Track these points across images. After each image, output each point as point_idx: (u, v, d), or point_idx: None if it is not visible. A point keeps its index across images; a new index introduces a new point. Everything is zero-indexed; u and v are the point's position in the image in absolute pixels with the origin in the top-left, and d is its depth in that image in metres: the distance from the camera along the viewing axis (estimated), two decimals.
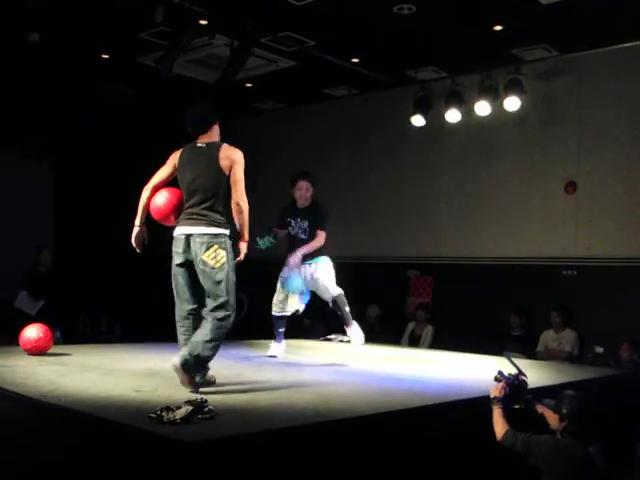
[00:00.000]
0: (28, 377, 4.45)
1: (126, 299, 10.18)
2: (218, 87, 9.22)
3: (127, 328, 9.85)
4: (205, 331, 4.30)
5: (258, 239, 6.11)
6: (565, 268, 8.78)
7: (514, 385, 4.21)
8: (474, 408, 4.48)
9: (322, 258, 6.30)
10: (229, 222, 4.61)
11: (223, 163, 4.55)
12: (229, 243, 4.50)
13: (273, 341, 6.51)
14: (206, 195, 4.51)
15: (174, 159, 4.69)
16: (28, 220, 10.48)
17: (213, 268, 4.35)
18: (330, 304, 6.29)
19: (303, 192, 6.27)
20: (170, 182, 4.76)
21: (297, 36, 8.35)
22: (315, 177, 6.41)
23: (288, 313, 6.38)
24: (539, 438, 3.87)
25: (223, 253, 4.40)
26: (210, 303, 4.37)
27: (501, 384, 4.21)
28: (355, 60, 9.13)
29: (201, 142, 4.68)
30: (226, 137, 12.83)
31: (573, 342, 8.24)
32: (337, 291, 6.24)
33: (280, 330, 6.45)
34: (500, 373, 4.31)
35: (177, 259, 4.50)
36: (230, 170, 4.59)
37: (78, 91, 10.16)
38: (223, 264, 4.37)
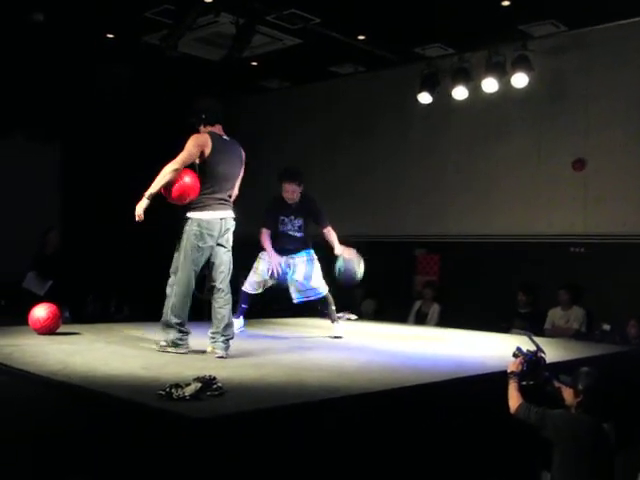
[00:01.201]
0: (38, 356, 4.48)
1: (134, 279, 10.20)
2: (224, 65, 9.19)
3: (135, 308, 9.89)
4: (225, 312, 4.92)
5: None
6: (573, 245, 8.76)
7: (532, 361, 4.25)
8: (481, 385, 4.50)
9: (306, 251, 6.39)
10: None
11: (242, 157, 5.26)
12: None
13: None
14: (232, 184, 5.14)
15: (205, 146, 4.93)
16: (36, 201, 10.49)
17: (231, 246, 5.03)
18: (296, 301, 6.44)
19: (289, 194, 6.27)
20: None
21: (303, 13, 8.30)
22: (301, 174, 6.36)
23: (258, 292, 6.48)
24: (553, 412, 3.91)
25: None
26: (221, 284, 4.95)
27: (519, 359, 4.26)
28: (361, 37, 9.07)
29: (223, 134, 5.19)
30: (233, 116, 12.85)
31: (581, 319, 8.24)
32: (324, 290, 6.37)
33: (242, 306, 6.55)
34: (519, 349, 4.35)
35: (207, 241, 4.89)
36: None
37: (84, 71, 10.12)
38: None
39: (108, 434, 3.43)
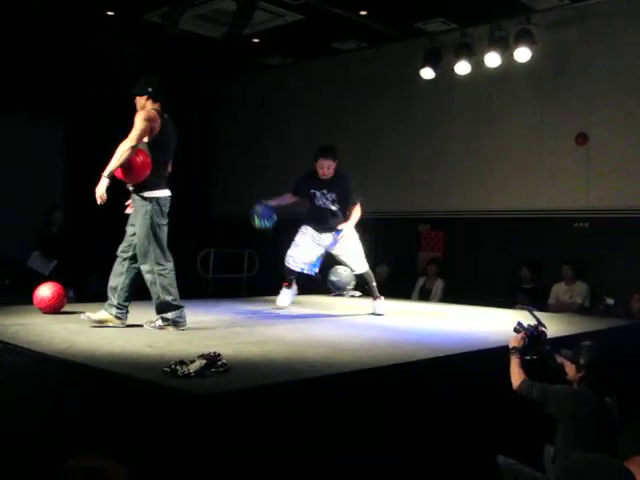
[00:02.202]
0: (43, 335, 4.51)
1: None
2: (225, 43, 9.15)
3: (139, 287, 9.91)
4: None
5: (257, 218, 6.14)
6: (577, 220, 8.75)
7: (533, 336, 4.25)
8: (484, 360, 4.52)
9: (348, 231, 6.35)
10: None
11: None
12: None
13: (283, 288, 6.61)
14: (169, 160, 5.16)
15: (155, 122, 4.96)
16: (40, 180, 10.50)
17: None
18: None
19: (325, 170, 6.22)
20: None
21: None
22: (336, 151, 6.34)
23: (299, 268, 6.42)
24: (556, 387, 3.91)
25: None
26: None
27: (520, 335, 4.26)
28: (363, 13, 9.01)
29: (163, 113, 5.08)
30: (235, 94, 12.80)
31: (584, 294, 8.25)
32: (363, 269, 6.39)
33: (290, 277, 6.53)
34: (520, 324, 4.35)
35: (164, 218, 5.00)
36: None
37: (86, 49, 10.08)
38: None
39: (113, 412, 3.46)
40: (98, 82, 10.77)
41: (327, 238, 6.33)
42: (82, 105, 11.12)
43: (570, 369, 3.96)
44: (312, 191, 6.30)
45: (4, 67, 9.75)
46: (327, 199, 6.28)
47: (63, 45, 9.87)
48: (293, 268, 6.39)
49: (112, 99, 11.08)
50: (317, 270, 6.52)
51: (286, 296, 6.56)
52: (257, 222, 6.13)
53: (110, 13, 9.09)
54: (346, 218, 6.33)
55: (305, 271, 6.43)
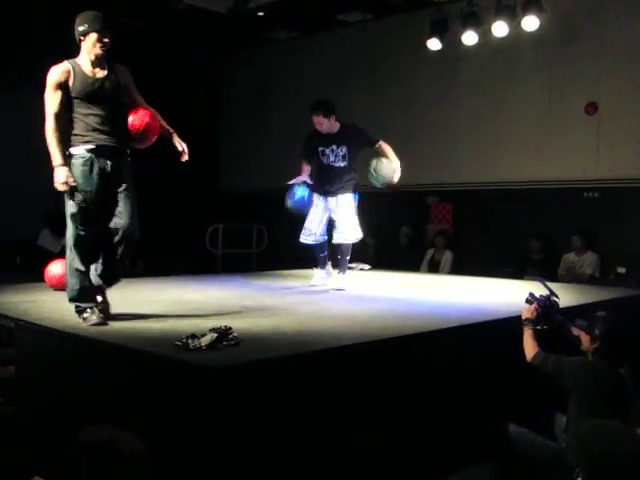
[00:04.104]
0: (54, 312, 4.53)
1: (148, 234, 10.23)
2: (230, 17, 9.09)
3: (150, 262, 9.95)
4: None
5: (295, 201, 5.96)
6: (586, 190, 8.70)
7: (545, 306, 4.23)
8: (495, 330, 4.52)
9: (349, 195, 6.18)
10: (79, 142, 4.26)
11: None
12: (72, 162, 4.26)
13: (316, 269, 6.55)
14: None
15: None
16: (49, 158, 10.49)
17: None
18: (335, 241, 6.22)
19: (318, 126, 6.08)
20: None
21: None
22: (328, 104, 6.13)
23: (316, 241, 6.30)
24: (570, 359, 3.90)
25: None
26: None
27: (533, 306, 4.23)
28: None
29: None
30: (241, 69, 12.73)
31: (594, 264, 8.24)
32: (357, 236, 6.14)
33: (320, 255, 6.44)
34: (532, 295, 4.32)
35: None
36: None
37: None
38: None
39: (125, 386, 3.49)
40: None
41: (330, 201, 6.19)
42: None
43: (585, 339, 3.94)
44: (320, 149, 6.11)
45: (7, 43, 9.72)
46: (337, 155, 6.09)
47: (67, 19, 9.82)
48: (304, 242, 6.29)
49: None
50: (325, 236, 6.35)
51: (318, 276, 6.47)
52: (293, 204, 6.00)
53: None
54: (353, 184, 6.17)
55: (319, 242, 6.31)
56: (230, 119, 12.71)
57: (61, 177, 4.16)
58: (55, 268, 5.66)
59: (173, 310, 4.72)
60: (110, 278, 4.46)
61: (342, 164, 6.11)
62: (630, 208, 8.30)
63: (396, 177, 6.08)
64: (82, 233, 4.30)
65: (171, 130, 4.58)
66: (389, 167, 6.03)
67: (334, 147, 6.09)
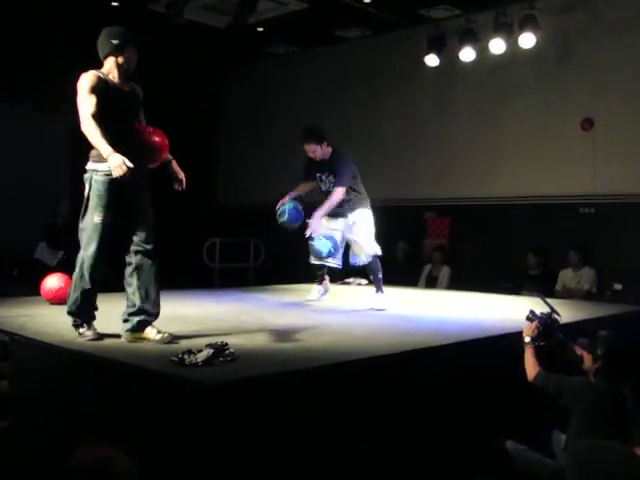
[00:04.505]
0: (50, 325, 4.53)
1: None
2: (230, 32, 9.13)
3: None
4: None
5: (285, 217, 5.89)
6: (583, 206, 8.72)
7: (546, 324, 4.17)
8: (493, 346, 4.52)
9: (360, 210, 6.11)
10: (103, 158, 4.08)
11: None
12: (93, 179, 4.15)
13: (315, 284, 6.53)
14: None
15: None
16: (46, 171, 10.49)
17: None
18: (360, 263, 6.13)
19: (311, 154, 6.03)
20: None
21: None
22: (318, 131, 6.07)
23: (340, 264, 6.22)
24: (571, 379, 3.87)
25: (86, 190, 4.19)
26: None
27: (534, 323, 4.17)
28: (367, 0, 8.97)
29: None
30: (238, 83, 12.75)
31: (591, 280, 8.23)
32: (374, 251, 6.05)
33: (319, 273, 6.42)
34: (532, 312, 4.26)
35: None
36: None
37: (89, 39, 10.05)
38: (83, 202, 4.20)
39: (121, 401, 3.47)
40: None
41: (339, 224, 6.11)
42: None
43: (587, 359, 3.91)
44: (317, 174, 6.12)
45: (7, 57, 9.75)
46: (329, 182, 6.07)
47: (67, 34, 9.86)
48: (315, 262, 6.20)
49: None
50: (340, 260, 6.22)
51: (315, 292, 6.46)
52: (284, 219, 5.92)
53: (115, 4, 9.07)
54: (358, 200, 6.12)
55: (330, 264, 6.19)
56: (229, 132, 12.73)
57: (117, 160, 3.94)
58: (51, 282, 5.66)
59: (169, 325, 4.68)
60: (155, 301, 4.29)
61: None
62: (626, 224, 8.31)
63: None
64: (99, 251, 4.16)
65: (170, 156, 4.54)
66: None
67: (326, 174, 6.08)
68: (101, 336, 4.16)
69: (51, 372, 4.01)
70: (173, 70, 11.01)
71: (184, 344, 3.81)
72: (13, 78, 10.18)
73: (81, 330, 4.17)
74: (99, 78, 4.17)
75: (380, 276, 6.13)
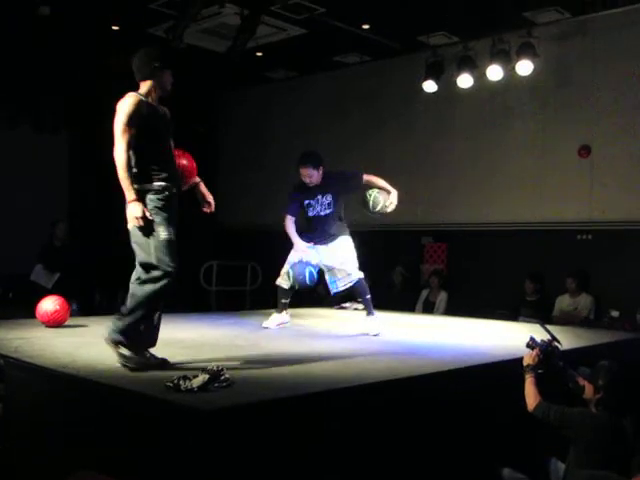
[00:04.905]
0: (46, 349, 4.50)
1: None
2: (229, 56, 9.18)
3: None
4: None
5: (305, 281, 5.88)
6: (580, 232, 8.73)
7: (547, 352, 4.12)
8: (491, 373, 4.49)
9: (342, 237, 6.05)
10: (154, 176, 4.10)
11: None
12: (150, 198, 4.07)
13: (275, 311, 6.33)
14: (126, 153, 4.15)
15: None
16: (44, 193, 10.52)
17: (129, 230, 4.15)
18: (340, 289, 6.03)
19: (307, 179, 5.98)
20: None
21: (307, 3, 8.28)
22: (316, 156, 6.06)
23: (289, 286, 6.10)
24: (572, 411, 3.84)
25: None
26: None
27: (535, 351, 4.12)
28: (366, 27, 9.05)
29: None
30: (237, 106, 12.78)
31: (589, 307, 8.21)
32: (358, 275, 5.96)
33: (284, 301, 6.24)
34: (532, 340, 4.20)
35: None
36: None
37: (90, 63, 10.13)
38: (134, 225, 4.08)
39: (116, 427, 3.44)
40: (101, 94, 10.80)
41: (322, 250, 6.04)
42: (86, 117, 11.16)
43: (588, 389, 3.88)
44: (306, 202, 6.04)
45: (8, 79, 9.79)
46: (322, 204, 6.01)
47: (67, 58, 9.92)
48: (283, 286, 6.12)
49: (115, 111, 11.16)
50: (314, 282, 6.10)
51: (273, 320, 6.24)
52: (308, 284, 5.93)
53: (115, 28, 9.14)
54: (340, 227, 6.05)
55: (297, 287, 6.08)
56: (227, 156, 12.76)
57: (138, 211, 3.96)
58: (47, 304, 5.62)
59: (165, 349, 4.65)
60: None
61: (328, 211, 6.02)
62: (623, 251, 8.32)
63: (391, 207, 6.02)
64: (171, 271, 4.05)
65: (197, 179, 4.51)
66: (385, 196, 6.03)
67: (319, 197, 6.02)
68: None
69: (46, 396, 3.98)
70: (173, 93, 11.06)
71: (179, 369, 3.78)
72: (13, 102, 10.22)
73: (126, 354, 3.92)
74: (141, 102, 4.10)
75: (369, 297, 6.05)
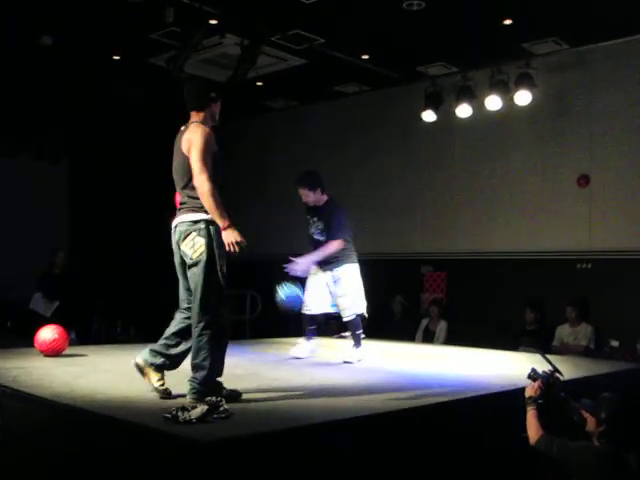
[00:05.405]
0: (44, 379, 4.48)
1: (141, 299, 10.21)
2: (229, 86, 9.25)
3: (142, 329, 9.88)
4: (193, 349, 4.05)
5: (279, 290, 5.82)
6: (580, 262, 8.74)
7: (548, 383, 4.09)
8: (491, 404, 4.47)
9: (347, 265, 6.00)
10: None
11: (185, 146, 4.13)
12: (213, 230, 4.06)
13: (301, 338, 6.32)
14: (183, 181, 4.19)
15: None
16: (43, 221, 10.53)
17: (192, 258, 4.02)
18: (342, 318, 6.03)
19: (304, 198, 6.00)
20: None
21: (307, 34, 8.35)
22: (313, 177, 6.05)
23: (314, 312, 6.07)
24: (575, 445, 3.80)
25: (202, 241, 4.02)
26: (192, 314, 4.06)
27: (537, 383, 4.08)
28: (365, 57, 9.12)
29: (185, 124, 4.33)
30: (238, 136, 12.90)
31: (589, 336, 8.17)
32: (355, 311, 5.95)
33: (309, 328, 6.20)
34: (534, 371, 4.16)
35: (175, 256, 4.21)
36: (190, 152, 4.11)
37: (91, 92, 10.20)
38: (201, 254, 4.00)
39: (115, 458, 3.41)
40: (102, 123, 10.87)
41: (326, 276, 6.01)
42: (86, 146, 11.22)
43: (590, 422, 3.84)
44: (307, 217, 6.09)
45: (7, 109, 9.86)
46: (317, 228, 6.01)
47: (68, 87, 9.99)
48: (307, 313, 6.07)
49: (115, 141, 11.22)
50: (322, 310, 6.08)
51: (300, 347, 6.20)
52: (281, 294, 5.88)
53: (116, 57, 9.21)
54: (347, 255, 5.99)
55: (319, 313, 6.08)
56: (228, 184, 12.76)
57: (237, 236, 4.01)
58: (45, 333, 5.61)
59: (165, 379, 4.64)
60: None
61: (321, 238, 5.99)
62: (623, 280, 8.31)
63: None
64: (224, 308, 4.12)
65: None
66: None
67: (315, 219, 6.03)
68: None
69: (43, 426, 3.95)
70: (174, 122, 11.12)
71: (178, 399, 3.76)
72: (13, 131, 10.28)
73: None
74: (212, 134, 4.17)
75: (359, 333, 6.04)
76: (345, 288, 5.97)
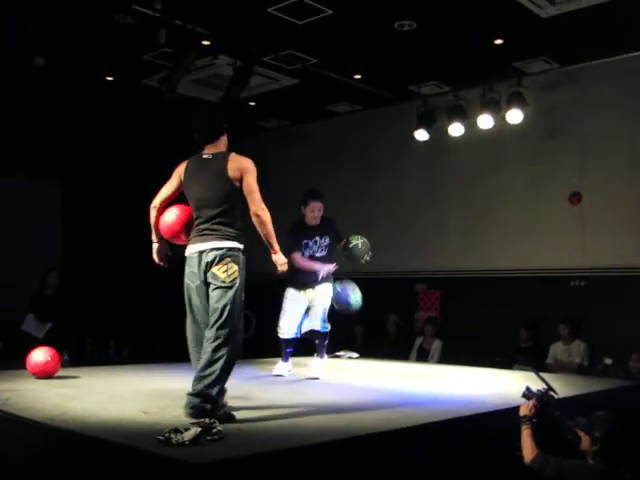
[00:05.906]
0: (36, 401, 4.44)
1: (134, 320, 10.17)
2: (222, 106, 9.28)
3: (135, 349, 9.84)
4: (202, 363, 4.11)
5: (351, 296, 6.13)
6: (573, 279, 8.76)
7: (543, 401, 4.07)
8: (485, 423, 4.46)
9: (327, 284, 6.17)
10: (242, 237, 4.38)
11: (233, 174, 4.31)
12: (242, 259, 4.28)
13: (280, 360, 6.42)
14: (217, 209, 4.25)
15: (179, 173, 4.50)
16: (36, 242, 10.50)
17: (224, 282, 4.12)
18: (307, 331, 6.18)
19: (316, 213, 6.10)
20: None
21: (299, 54, 8.41)
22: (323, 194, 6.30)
23: (289, 336, 6.19)
24: (571, 464, 3.78)
25: (236, 267, 4.18)
26: (209, 330, 4.12)
27: (532, 402, 4.06)
28: (357, 77, 9.18)
29: (207, 153, 4.43)
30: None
31: (582, 354, 8.19)
32: (326, 326, 6.16)
33: (288, 350, 6.33)
34: (528, 389, 4.15)
35: (193, 280, 4.23)
36: (241, 181, 4.37)
37: (84, 113, 10.22)
38: (234, 279, 4.14)
39: None
40: (96, 143, 10.89)
41: (309, 292, 6.15)
42: (79, 166, 11.23)
43: (585, 441, 3.81)
44: (304, 241, 6.13)
45: (1, 129, 9.86)
46: (320, 246, 6.13)
47: (62, 108, 10.01)
48: (284, 337, 6.19)
49: (109, 160, 11.23)
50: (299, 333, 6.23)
51: (281, 366, 6.34)
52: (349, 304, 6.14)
53: (109, 78, 9.24)
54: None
55: (298, 335, 6.21)
56: None
57: (284, 259, 4.58)
58: (37, 355, 5.56)
59: (157, 401, 4.63)
60: None
61: (323, 254, 6.16)
62: (616, 297, 8.33)
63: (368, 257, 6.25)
64: (241, 324, 4.23)
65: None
66: (366, 248, 6.23)
67: (317, 238, 6.15)
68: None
69: (36, 449, 3.91)
70: (166, 143, 11.15)
71: (172, 421, 3.73)
72: (6, 151, 10.27)
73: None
74: None
75: (325, 343, 6.32)
76: (325, 302, 6.13)
